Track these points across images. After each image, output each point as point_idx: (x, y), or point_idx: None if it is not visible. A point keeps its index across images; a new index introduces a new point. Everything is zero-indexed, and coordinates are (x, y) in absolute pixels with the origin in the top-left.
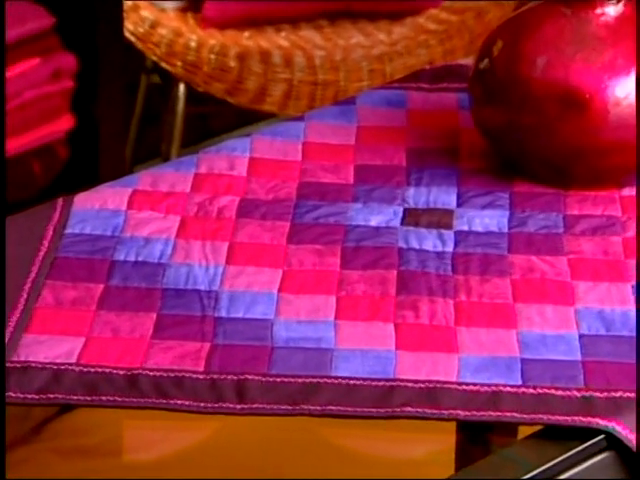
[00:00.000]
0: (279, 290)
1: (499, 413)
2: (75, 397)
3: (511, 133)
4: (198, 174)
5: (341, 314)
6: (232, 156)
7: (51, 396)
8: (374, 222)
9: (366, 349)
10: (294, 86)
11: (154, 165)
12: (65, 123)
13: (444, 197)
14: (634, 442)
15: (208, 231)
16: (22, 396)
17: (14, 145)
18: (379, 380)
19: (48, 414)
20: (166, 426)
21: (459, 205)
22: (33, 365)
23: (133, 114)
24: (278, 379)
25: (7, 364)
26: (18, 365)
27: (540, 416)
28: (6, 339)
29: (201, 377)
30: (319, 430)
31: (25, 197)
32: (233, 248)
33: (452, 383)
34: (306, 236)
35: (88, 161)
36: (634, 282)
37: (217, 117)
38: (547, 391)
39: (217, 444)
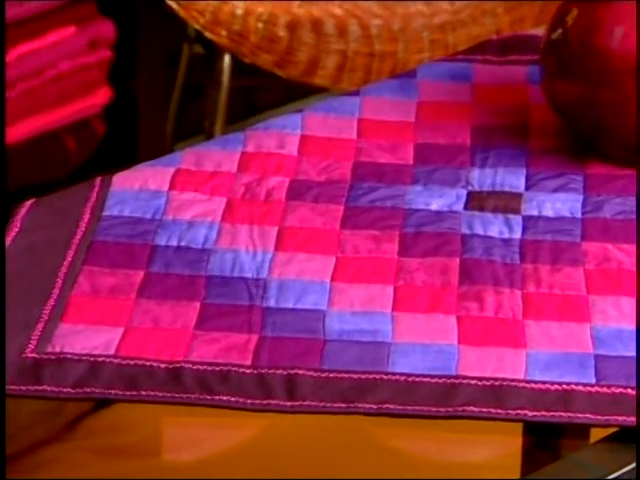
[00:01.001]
0: (332, 279)
1: (570, 414)
2: (113, 391)
3: (586, 109)
4: (245, 153)
5: (399, 305)
6: (282, 133)
7: (88, 390)
8: (435, 206)
9: (426, 343)
10: (348, 58)
11: (196, 142)
12: (102, 96)
13: (512, 179)
14: None
15: (256, 214)
16: (57, 390)
17: (47, 120)
18: (440, 377)
19: (82, 410)
20: (209, 424)
21: (528, 188)
22: (69, 357)
23: (174, 87)
24: (331, 375)
25: (41, 355)
26: (53, 357)
27: (615, 417)
28: (40, 329)
29: (248, 372)
30: (373, 431)
31: (59, 176)
32: (283, 233)
33: (519, 381)
34: (361, 220)
35: (126, 137)
36: None
37: (264, 91)
38: (623, 391)
39: (264, 444)
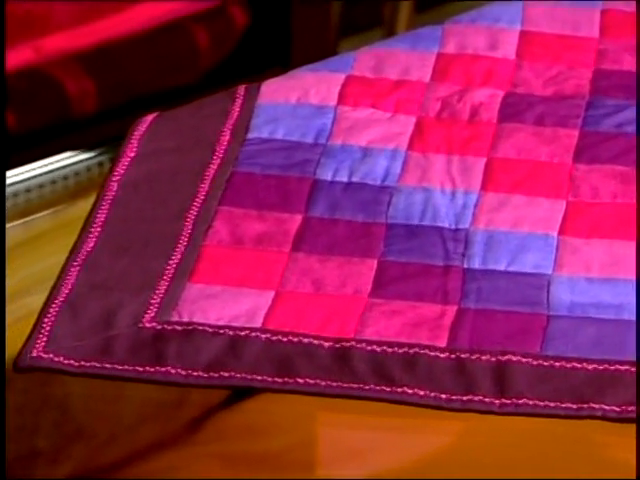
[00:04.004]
0: (560, 232)
1: None
2: (259, 377)
3: None
4: (443, 55)
5: None
6: (494, 29)
7: (225, 375)
8: None
9: None
10: None
11: (373, 39)
12: None
13: None
14: None
15: (456, 141)
16: (184, 373)
17: (169, 7)
18: None
19: (212, 403)
20: (383, 427)
21: None
22: (200, 329)
23: None
24: (557, 363)
25: (163, 326)
26: (179, 328)
27: None
28: (162, 290)
29: (442, 356)
30: (608, 442)
31: (186, 82)
32: (492, 167)
33: None
34: (603, 152)
35: (276, 31)
36: None
37: None
38: None
39: (458, 456)
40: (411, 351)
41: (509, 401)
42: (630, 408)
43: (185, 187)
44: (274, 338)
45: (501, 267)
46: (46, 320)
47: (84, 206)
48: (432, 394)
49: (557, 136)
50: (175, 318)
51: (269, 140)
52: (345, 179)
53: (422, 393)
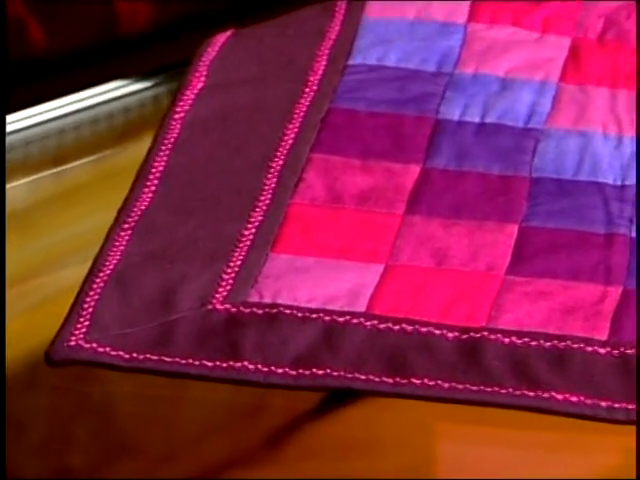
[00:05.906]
0: None
1: None
2: (362, 377)
3: None
4: None
5: None
6: None
7: (319, 372)
8: None
9: None
10: None
11: None
12: None
13: None
14: None
15: (623, 70)
16: (265, 370)
17: None
18: None
19: (300, 409)
20: (524, 443)
21: None
22: (287, 313)
23: None
24: None
25: (239, 308)
26: (259, 311)
27: None
28: (237, 263)
29: (602, 352)
30: None
31: None
32: None
33: None
34: None
35: None
36: None
37: None
38: None
39: None
40: (561, 345)
41: None
42: None
43: (268, 128)
44: (382, 326)
45: None
46: (88, 300)
47: (136, 152)
48: (588, 401)
49: None
50: (254, 298)
51: (378, 67)
52: (477, 119)
53: (575, 399)
